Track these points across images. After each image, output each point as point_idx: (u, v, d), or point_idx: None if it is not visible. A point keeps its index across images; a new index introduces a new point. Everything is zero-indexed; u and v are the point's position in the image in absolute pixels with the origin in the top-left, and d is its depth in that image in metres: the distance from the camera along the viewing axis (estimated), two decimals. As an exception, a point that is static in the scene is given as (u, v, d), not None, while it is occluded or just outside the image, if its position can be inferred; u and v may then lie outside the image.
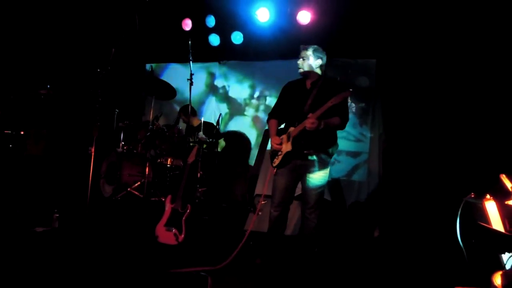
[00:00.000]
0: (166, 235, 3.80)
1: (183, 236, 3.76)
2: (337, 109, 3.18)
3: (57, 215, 4.10)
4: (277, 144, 3.37)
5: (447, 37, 5.01)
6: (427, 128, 5.12)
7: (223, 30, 6.28)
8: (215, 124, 5.52)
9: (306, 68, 3.38)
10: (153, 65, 5.73)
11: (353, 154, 5.75)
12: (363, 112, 5.79)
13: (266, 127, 5.80)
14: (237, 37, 6.24)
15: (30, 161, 5.22)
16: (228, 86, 6.64)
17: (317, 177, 3.33)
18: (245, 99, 6.54)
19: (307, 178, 3.33)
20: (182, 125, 5.59)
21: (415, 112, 5.22)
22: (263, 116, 6.35)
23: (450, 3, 4.93)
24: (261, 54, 6.39)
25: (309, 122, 3.09)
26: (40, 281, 2.76)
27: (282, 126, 3.54)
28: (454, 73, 4.97)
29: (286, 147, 3.32)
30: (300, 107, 3.30)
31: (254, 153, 6.06)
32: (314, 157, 3.28)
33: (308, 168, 3.32)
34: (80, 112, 5.84)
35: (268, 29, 6.01)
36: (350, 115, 5.65)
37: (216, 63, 6.65)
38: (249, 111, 6.49)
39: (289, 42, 6.12)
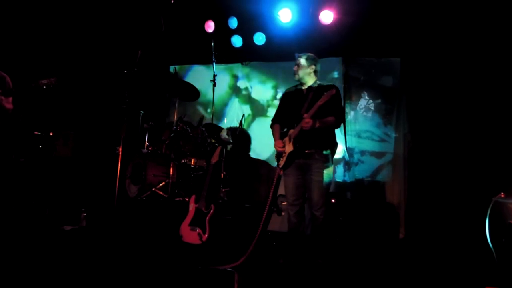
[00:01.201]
0: (190, 235, 3.84)
1: (207, 235, 3.79)
2: (331, 108, 3.47)
3: (85, 214, 4.21)
4: (280, 147, 3.64)
5: (474, 34, 4.90)
6: (454, 127, 5.01)
7: (246, 31, 6.29)
8: (237, 125, 5.55)
9: (301, 75, 3.70)
10: (177, 67, 5.80)
11: (377, 155, 5.67)
12: (387, 112, 5.70)
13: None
14: (259, 38, 6.24)
15: (59, 162, 5.37)
16: (251, 87, 6.65)
17: (320, 174, 3.52)
18: (268, 100, 6.54)
19: (310, 176, 3.55)
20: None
21: (442, 111, 5.12)
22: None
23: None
24: (284, 55, 6.36)
25: (304, 122, 3.40)
26: (69, 277, 2.84)
27: (285, 129, 3.78)
28: (482, 71, 4.85)
29: (288, 147, 3.59)
30: (298, 110, 3.56)
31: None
32: (315, 155, 3.52)
33: (310, 166, 3.54)
34: (108, 113, 5.96)
35: (290, 30, 6.00)
36: (375, 115, 5.65)
37: (239, 64, 6.67)
38: (272, 112, 6.46)
39: (311, 42, 6.08)
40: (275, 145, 3.71)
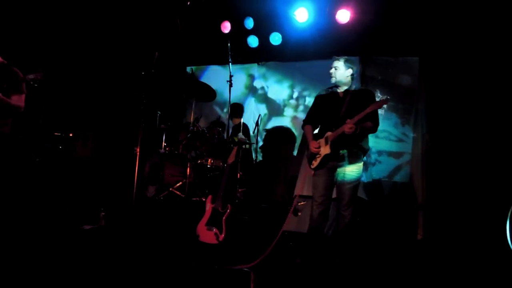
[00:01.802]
0: (207, 234, 3.86)
1: (223, 235, 3.81)
2: (370, 115, 3.44)
3: (103, 213, 4.28)
4: (316, 148, 3.61)
5: (495, 31, 4.80)
6: (473, 127, 4.92)
7: (262, 31, 6.30)
8: (254, 125, 5.56)
9: (338, 78, 3.65)
10: (193, 67, 5.85)
11: (395, 155, 5.61)
12: (405, 112, 5.64)
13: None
14: (275, 38, 6.24)
15: (79, 162, 5.47)
16: (267, 87, 6.66)
17: (349, 172, 3.56)
18: (284, 100, 6.53)
19: (340, 174, 3.58)
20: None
21: (461, 111, 5.03)
22: (302, 116, 6.31)
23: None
24: (300, 55, 6.37)
25: (348, 127, 3.38)
26: (88, 274, 2.89)
27: (316, 131, 3.79)
28: (503, 70, 4.75)
29: (325, 150, 3.56)
30: (336, 114, 3.56)
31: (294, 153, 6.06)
32: (345, 152, 3.53)
33: (342, 168, 3.56)
34: (126, 114, 6.03)
35: (307, 29, 5.98)
36: (392, 115, 5.59)
37: (255, 65, 6.69)
38: (288, 112, 6.48)
39: (328, 42, 6.06)
40: (310, 146, 3.67)
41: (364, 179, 5.44)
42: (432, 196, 5.21)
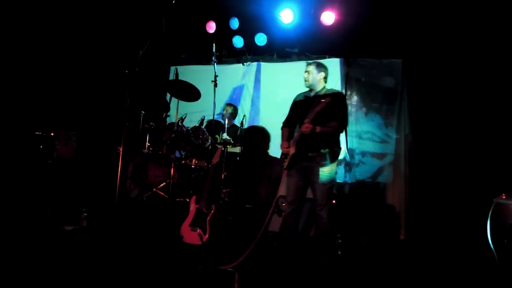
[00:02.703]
0: (191, 235, 3.84)
1: (207, 236, 3.79)
2: (334, 113, 3.63)
3: (85, 214, 4.21)
4: (285, 148, 3.77)
5: (476, 34, 4.89)
6: (455, 128, 5.01)
7: (247, 32, 6.30)
8: (239, 125, 5.55)
9: (311, 81, 3.84)
10: (178, 67, 5.80)
11: (378, 156, 5.66)
12: (389, 113, 5.70)
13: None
14: (260, 39, 6.25)
15: (60, 162, 5.37)
16: (252, 88, 6.65)
17: (321, 174, 3.62)
18: (269, 100, 6.53)
19: (313, 178, 3.66)
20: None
21: (443, 112, 5.12)
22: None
23: None
24: (285, 55, 6.39)
25: (304, 127, 3.57)
26: (69, 277, 2.84)
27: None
28: (483, 72, 4.85)
29: (292, 150, 3.71)
30: (304, 115, 3.67)
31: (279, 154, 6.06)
32: (317, 158, 3.64)
33: (313, 168, 3.65)
34: (109, 113, 5.95)
35: (292, 30, 6.00)
36: (376, 116, 5.65)
37: (240, 65, 6.68)
38: (273, 113, 6.47)
39: (313, 43, 6.11)
40: (281, 146, 3.85)
41: (348, 179, 5.49)
42: (415, 197, 5.28)
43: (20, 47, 5.46)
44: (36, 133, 5.26)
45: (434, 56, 5.24)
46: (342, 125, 3.73)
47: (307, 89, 3.95)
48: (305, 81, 3.88)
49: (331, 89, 3.88)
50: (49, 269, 2.95)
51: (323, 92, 3.81)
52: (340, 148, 3.83)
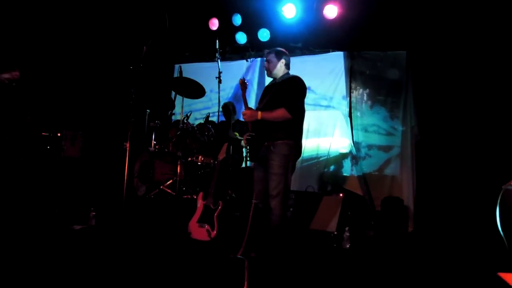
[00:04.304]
0: (199, 231, 3.85)
1: (215, 232, 3.79)
2: (282, 100, 3.45)
3: (94, 213, 4.24)
4: (245, 140, 3.67)
5: (481, 25, 4.85)
6: (462, 119, 4.98)
7: (250, 28, 6.30)
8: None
9: (272, 70, 3.67)
10: (182, 65, 5.81)
11: (385, 148, 5.64)
12: (394, 105, 5.67)
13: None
14: (263, 34, 6.24)
15: (68, 162, 5.41)
16: (257, 83, 6.65)
17: (274, 166, 3.44)
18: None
19: (267, 168, 3.49)
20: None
21: (449, 103, 5.09)
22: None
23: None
24: (289, 50, 6.31)
25: (242, 114, 3.54)
26: (79, 275, 2.86)
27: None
28: (489, 62, 4.81)
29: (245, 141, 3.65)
30: (260, 104, 3.63)
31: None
32: (271, 148, 3.48)
33: (267, 158, 3.50)
34: (114, 110, 5.97)
35: (295, 25, 5.99)
36: (382, 108, 5.62)
37: (244, 61, 6.67)
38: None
39: (316, 37, 6.09)
40: (243, 138, 3.77)
41: (354, 173, 5.48)
42: (422, 188, 5.27)
43: (23, 47, 5.47)
44: (43, 133, 5.30)
45: (439, 46, 5.20)
46: (291, 111, 3.42)
47: None
48: (266, 70, 3.71)
49: (292, 75, 3.68)
50: (59, 268, 2.97)
51: (282, 79, 3.65)
52: (299, 139, 3.59)
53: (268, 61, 3.67)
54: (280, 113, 3.43)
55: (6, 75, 3.55)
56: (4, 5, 5.31)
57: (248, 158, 3.71)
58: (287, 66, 3.69)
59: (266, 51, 3.80)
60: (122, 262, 3.15)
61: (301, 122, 3.61)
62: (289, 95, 3.49)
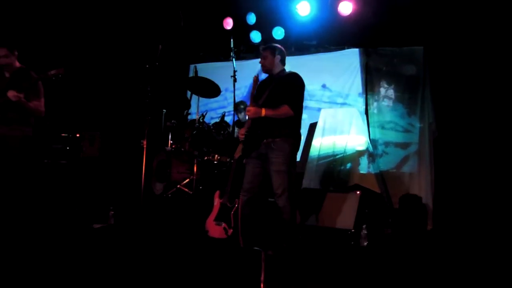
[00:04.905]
0: (216, 229, 3.86)
1: (232, 230, 3.81)
2: (284, 97, 3.48)
3: (113, 212, 4.30)
4: (241, 135, 3.68)
5: (501, 19, 4.75)
6: (481, 114, 4.89)
7: (264, 26, 6.30)
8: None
9: (268, 66, 3.69)
10: (197, 65, 5.85)
11: (402, 145, 5.57)
12: (411, 102, 5.60)
13: (312, 122, 5.79)
14: (278, 33, 6.23)
15: (86, 162, 5.50)
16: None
17: (277, 163, 3.46)
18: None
19: (269, 166, 3.51)
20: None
21: (468, 99, 5.00)
22: (305, 111, 6.29)
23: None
24: (303, 48, 6.36)
25: (246, 110, 3.55)
26: (98, 272, 2.91)
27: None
28: (508, 56, 4.71)
29: (243, 136, 3.66)
30: (259, 101, 3.61)
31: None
32: (272, 145, 3.49)
33: (268, 155, 3.51)
34: (131, 108, 6.03)
35: (309, 23, 5.97)
36: (399, 105, 5.56)
37: (258, 60, 6.64)
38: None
39: (331, 35, 6.06)
40: (238, 133, 3.77)
41: (371, 170, 5.42)
42: (441, 186, 5.18)
43: (39, 48, 5.56)
44: (62, 134, 5.39)
45: (457, 41, 5.12)
46: (294, 108, 3.48)
47: None
48: (262, 66, 3.73)
49: (289, 71, 3.71)
50: (80, 266, 3.02)
51: (279, 75, 3.69)
52: (299, 136, 3.65)
53: (263, 57, 3.69)
54: (283, 110, 3.46)
55: (52, 72, 3.71)
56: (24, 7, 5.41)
57: (240, 153, 3.69)
58: (283, 62, 3.73)
59: (261, 47, 3.82)
60: (142, 259, 3.19)
61: (300, 119, 3.65)
62: (291, 93, 3.52)
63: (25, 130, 3.93)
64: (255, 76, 3.76)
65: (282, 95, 3.49)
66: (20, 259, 3.06)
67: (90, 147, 5.60)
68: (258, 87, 3.79)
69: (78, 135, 5.47)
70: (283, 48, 3.76)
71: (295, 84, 3.60)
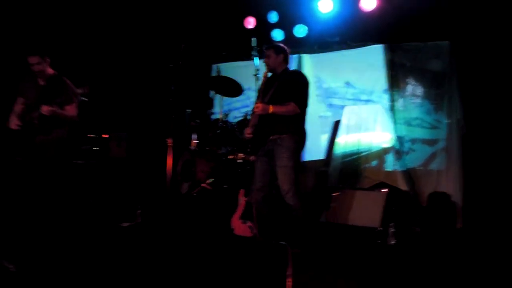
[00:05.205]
0: (241, 228, 3.87)
1: (257, 228, 3.81)
2: (290, 94, 3.57)
3: (140, 211, 4.37)
4: (247, 134, 3.77)
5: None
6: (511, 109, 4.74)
7: (286, 24, 6.28)
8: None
9: (272, 65, 3.78)
10: (219, 65, 5.88)
11: (429, 142, 5.46)
12: (438, 97, 5.48)
13: (335, 119, 5.75)
14: (300, 30, 6.21)
15: (114, 162, 5.61)
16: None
17: (283, 160, 3.55)
18: (312, 92, 6.46)
19: (275, 162, 3.60)
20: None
21: (497, 93, 4.86)
22: (329, 108, 6.26)
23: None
24: (326, 45, 6.31)
25: (255, 107, 3.61)
26: (128, 270, 2.96)
27: None
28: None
29: (251, 134, 3.76)
30: (264, 99, 3.69)
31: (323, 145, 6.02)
32: (278, 141, 3.59)
33: (273, 152, 3.61)
34: (156, 108, 6.11)
35: (331, 20, 5.92)
36: (425, 101, 5.46)
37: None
38: (317, 105, 6.41)
39: (354, 31, 5.99)
40: (244, 132, 3.84)
41: (398, 168, 5.34)
42: (471, 184, 5.06)
43: (70, 49, 5.67)
44: (89, 135, 5.51)
45: (484, 34, 4.98)
46: (300, 105, 3.59)
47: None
48: (266, 65, 3.81)
49: (293, 69, 3.82)
50: (109, 263, 3.08)
51: (283, 73, 3.78)
52: (304, 133, 3.71)
53: (267, 56, 3.79)
54: (290, 107, 3.55)
55: (79, 90, 3.86)
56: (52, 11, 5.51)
57: (248, 151, 3.77)
58: (286, 60, 3.83)
59: (264, 46, 3.93)
60: (169, 256, 3.23)
61: (305, 116, 3.73)
62: (297, 90, 3.62)
63: (60, 132, 4.08)
64: (265, 72, 3.81)
65: (288, 93, 3.59)
66: (55, 256, 3.14)
67: (118, 147, 5.71)
68: (263, 85, 3.87)
69: (105, 136, 5.58)
70: (286, 47, 3.85)
71: (300, 82, 3.70)
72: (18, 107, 4.08)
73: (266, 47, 3.87)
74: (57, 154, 4.07)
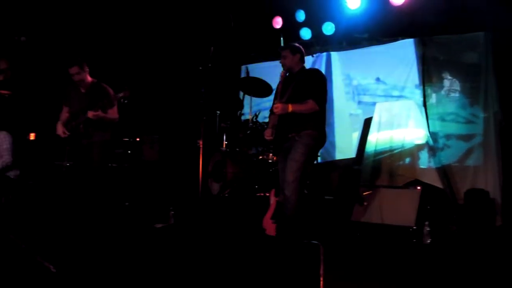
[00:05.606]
0: (273, 228, 3.89)
1: (289, 228, 3.81)
2: (309, 92, 3.57)
3: (173, 212, 4.46)
4: (268, 136, 3.76)
5: None
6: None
7: (314, 22, 6.24)
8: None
9: (288, 65, 3.78)
10: (248, 66, 5.92)
11: (465, 137, 5.28)
12: (473, 91, 5.29)
13: (366, 117, 5.67)
14: (328, 28, 6.15)
15: (147, 165, 5.75)
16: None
17: (295, 154, 3.54)
18: (339, 91, 6.40)
19: (289, 154, 3.59)
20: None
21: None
22: (360, 106, 6.18)
23: None
24: (355, 42, 6.23)
25: (274, 107, 3.60)
26: (161, 270, 3.03)
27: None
28: None
29: (272, 135, 3.74)
30: (282, 99, 3.69)
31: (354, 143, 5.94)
32: (296, 137, 3.59)
33: (290, 149, 3.61)
34: (187, 110, 6.22)
35: (360, 16, 5.83)
36: (459, 95, 5.30)
37: (309, 57, 6.60)
38: (342, 104, 6.34)
39: (383, 26, 5.88)
40: (265, 134, 3.82)
41: (432, 164, 5.20)
42: (511, 179, 4.86)
43: (104, 54, 5.85)
44: (124, 139, 5.67)
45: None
46: (319, 102, 3.58)
47: None
48: (283, 66, 3.81)
49: (309, 68, 3.79)
50: (143, 263, 3.16)
51: (300, 72, 3.78)
52: (323, 131, 3.70)
53: (283, 56, 3.79)
54: (309, 105, 3.55)
55: (120, 94, 4.04)
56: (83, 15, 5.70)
57: (272, 154, 3.77)
58: (302, 60, 3.83)
59: (280, 47, 3.98)
60: (202, 257, 3.28)
61: (325, 114, 3.73)
62: (315, 88, 3.62)
63: (104, 135, 4.27)
64: (282, 72, 3.83)
65: (306, 91, 3.60)
66: (93, 256, 3.25)
67: (150, 150, 5.84)
68: (280, 85, 3.88)
69: (138, 139, 5.73)
70: (301, 47, 3.87)
71: (318, 79, 3.71)
72: (64, 116, 4.35)
73: (282, 48, 3.92)
74: (103, 156, 4.28)
